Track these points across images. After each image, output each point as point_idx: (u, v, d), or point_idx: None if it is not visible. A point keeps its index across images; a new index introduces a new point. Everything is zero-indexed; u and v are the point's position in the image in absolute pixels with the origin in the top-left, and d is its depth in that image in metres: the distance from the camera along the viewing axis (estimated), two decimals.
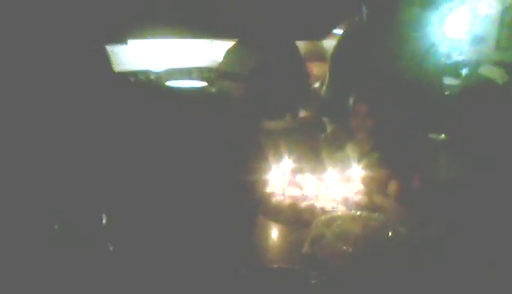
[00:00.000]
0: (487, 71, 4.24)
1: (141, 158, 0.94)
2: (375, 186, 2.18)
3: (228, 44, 2.66)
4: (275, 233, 1.86)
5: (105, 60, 1.97)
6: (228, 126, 1.22)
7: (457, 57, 4.67)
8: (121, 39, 3.39)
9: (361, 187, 2.03)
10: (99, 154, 1.10)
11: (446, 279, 1.47)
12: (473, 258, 1.57)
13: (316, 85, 4.27)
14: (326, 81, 2.85)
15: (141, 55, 3.92)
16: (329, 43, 4.78)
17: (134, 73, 3.65)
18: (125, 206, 0.93)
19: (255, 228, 1.10)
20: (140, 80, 3.54)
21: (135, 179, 0.92)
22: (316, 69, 4.46)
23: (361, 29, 2.87)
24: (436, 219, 1.98)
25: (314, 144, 2.64)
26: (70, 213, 1.04)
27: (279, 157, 2.19)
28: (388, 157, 2.40)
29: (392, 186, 2.17)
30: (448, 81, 3.91)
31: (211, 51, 4.15)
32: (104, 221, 1.00)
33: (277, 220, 1.87)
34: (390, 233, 1.57)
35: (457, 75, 4.28)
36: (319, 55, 4.74)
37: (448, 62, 4.51)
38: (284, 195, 1.97)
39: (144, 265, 0.90)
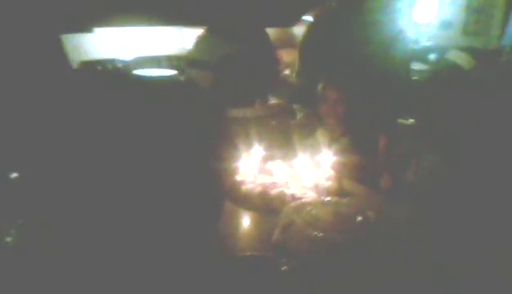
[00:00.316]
0: (454, 56, 4.30)
1: (108, 147, 0.91)
2: (345, 172, 2.20)
3: (197, 32, 2.62)
4: (245, 220, 1.86)
5: (59, 49, 1.91)
6: (196, 115, 1.20)
7: (425, 43, 4.73)
8: (87, 27, 3.31)
9: (331, 173, 2.04)
10: (64, 146, 1.07)
11: (414, 264, 1.49)
12: (444, 243, 1.60)
13: (287, 72, 4.28)
14: (296, 67, 2.84)
15: (108, 43, 3.84)
16: (299, 30, 4.78)
17: (101, 62, 3.57)
18: (90, 194, 0.90)
19: (222, 216, 1.09)
20: (107, 69, 3.47)
21: (102, 168, 0.89)
22: (286, 55, 4.45)
23: (329, 16, 2.87)
24: (404, 203, 2.01)
25: (284, 131, 2.64)
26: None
27: (249, 144, 2.18)
28: (357, 142, 2.41)
29: (385, 180, 2.20)
30: (416, 66, 3.96)
31: (180, 39, 4.09)
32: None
33: (248, 208, 1.87)
34: (359, 218, 1.58)
35: (425, 60, 4.33)
36: (289, 42, 4.73)
37: (416, 47, 4.56)
38: (254, 183, 1.96)
39: (108, 253, 0.88)
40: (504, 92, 3.57)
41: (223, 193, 1.05)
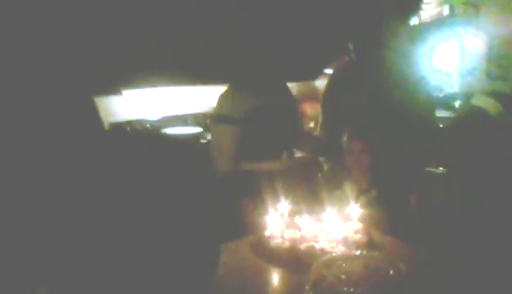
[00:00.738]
0: (479, 101, 4.28)
1: (138, 207, 0.93)
2: (373, 224, 2.17)
3: (222, 89, 2.69)
4: (275, 277, 1.83)
5: (94, 111, 1.97)
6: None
7: (449, 90, 4.72)
8: (115, 90, 3.43)
9: (359, 226, 2.01)
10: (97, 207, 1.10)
11: None
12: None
13: (311, 124, 4.31)
14: (320, 120, 2.87)
15: (136, 104, 3.96)
16: (321, 83, 4.85)
17: (130, 123, 3.68)
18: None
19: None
20: (136, 129, 3.56)
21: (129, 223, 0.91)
22: (310, 108, 4.51)
23: (350, 67, 2.91)
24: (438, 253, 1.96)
25: (311, 185, 2.64)
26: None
27: (276, 198, 2.18)
28: (385, 193, 2.39)
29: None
30: (441, 113, 3.95)
31: (206, 97, 4.20)
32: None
33: (276, 264, 1.85)
34: (391, 272, 1.54)
35: (450, 107, 4.32)
36: (312, 95, 4.79)
37: (440, 95, 4.56)
38: (282, 238, 1.95)
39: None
40: None
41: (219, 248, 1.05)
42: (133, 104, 3.95)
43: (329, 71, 4.48)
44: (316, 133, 3.02)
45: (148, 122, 3.90)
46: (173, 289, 0.95)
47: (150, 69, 3.20)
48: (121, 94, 3.62)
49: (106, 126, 3.44)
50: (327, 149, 2.77)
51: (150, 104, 4.07)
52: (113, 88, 3.36)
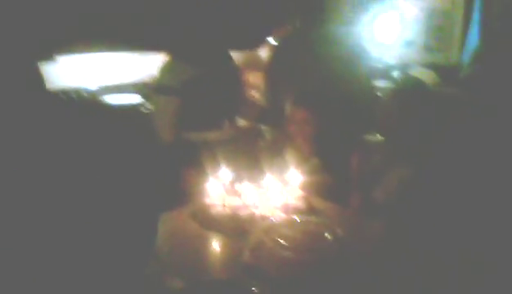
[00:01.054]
0: (417, 73, 4.40)
1: (70, 175, 0.89)
2: (314, 191, 2.20)
3: (162, 57, 2.62)
4: (216, 244, 1.83)
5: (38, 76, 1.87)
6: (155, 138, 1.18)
7: (388, 61, 4.82)
8: (49, 56, 3.27)
9: (299, 192, 2.03)
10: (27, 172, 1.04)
11: (385, 280, 1.49)
12: (412, 257, 1.61)
13: (254, 93, 4.30)
14: (263, 89, 2.86)
15: (72, 72, 3.79)
16: (264, 52, 4.83)
17: (65, 91, 3.52)
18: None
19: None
20: (71, 98, 3.42)
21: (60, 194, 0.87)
22: (253, 77, 4.49)
23: (293, 37, 2.90)
24: (376, 219, 2.03)
25: (253, 153, 2.64)
26: None
27: (217, 167, 2.17)
28: (326, 161, 2.43)
29: (355, 198, 2.22)
30: (381, 83, 4.04)
31: (146, 66, 4.08)
32: None
33: (217, 231, 1.85)
34: (329, 236, 1.57)
35: (389, 78, 4.42)
36: (255, 65, 4.77)
37: (380, 66, 4.64)
38: (223, 205, 1.94)
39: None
40: (464, 106, 3.67)
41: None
42: (69, 72, 3.78)
43: (271, 41, 4.46)
44: (258, 102, 3.02)
45: (85, 90, 3.76)
46: (111, 259, 0.92)
47: (87, 34, 3.06)
48: (56, 60, 3.46)
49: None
50: (269, 117, 2.77)
51: (88, 71, 3.91)
52: (46, 54, 3.19)
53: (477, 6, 4.97)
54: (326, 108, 2.47)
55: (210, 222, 1.88)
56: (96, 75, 3.94)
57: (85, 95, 3.64)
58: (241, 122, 2.92)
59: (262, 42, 4.27)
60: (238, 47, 4.13)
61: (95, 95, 3.71)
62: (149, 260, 1.02)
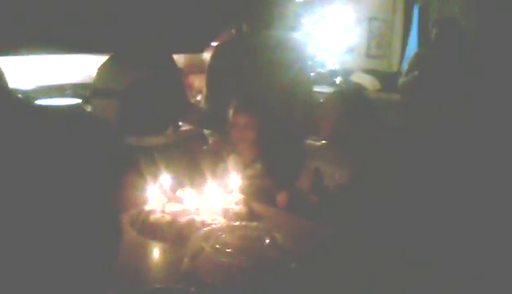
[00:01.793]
0: (358, 78, 4.53)
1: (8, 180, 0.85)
2: (257, 196, 2.21)
3: (103, 59, 2.54)
4: (155, 251, 1.80)
5: None
6: (100, 145, 1.15)
7: (331, 66, 4.93)
8: None
9: (240, 197, 2.03)
10: None
11: (325, 285, 1.51)
12: (354, 260, 1.64)
13: (198, 97, 4.27)
14: (204, 93, 2.84)
15: (7, 72, 3.63)
16: (208, 56, 4.81)
17: None
18: None
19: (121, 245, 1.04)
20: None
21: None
22: (197, 81, 4.45)
23: (235, 41, 2.90)
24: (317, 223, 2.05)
25: (194, 158, 2.61)
26: None
27: (157, 172, 2.13)
28: (268, 166, 2.44)
29: (282, 196, 2.23)
30: (323, 89, 4.12)
31: (85, 67, 3.97)
32: None
33: (157, 238, 1.82)
34: (267, 241, 1.58)
35: (331, 83, 4.52)
36: (199, 68, 4.73)
37: (323, 71, 4.74)
38: (163, 211, 1.91)
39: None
40: (403, 110, 3.80)
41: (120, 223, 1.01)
42: (4, 72, 3.62)
43: (216, 44, 4.45)
44: (201, 106, 3.00)
45: (20, 91, 3.61)
46: (55, 267, 0.89)
47: (22, 35, 2.94)
48: None
49: None
50: (210, 121, 2.76)
51: (23, 72, 3.75)
52: None
53: (415, 14, 5.17)
54: (268, 113, 2.48)
55: (149, 229, 1.85)
56: (32, 76, 3.80)
57: (20, 96, 3.49)
58: (184, 127, 2.89)
59: (207, 45, 4.26)
60: (182, 50, 4.10)
61: (30, 97, 3.57)
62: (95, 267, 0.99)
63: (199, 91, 4.42)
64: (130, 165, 2.33)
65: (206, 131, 2.91)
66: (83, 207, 0.92)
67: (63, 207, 0.88)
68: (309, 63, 2.92)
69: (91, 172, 0.96)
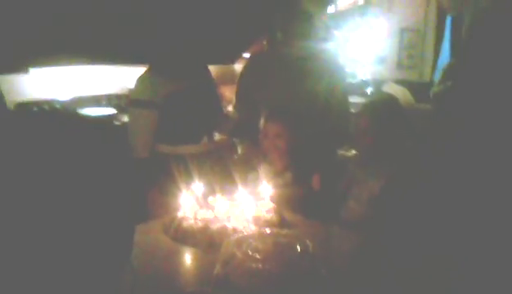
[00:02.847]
0: (389, 88, 4.49)
1: (44, 187, 0.88)
2: (287, 204, 2.22)
3: (139, 70, 2.61)
4: (187, 257, 1.83)
5: None
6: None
7: (362, 77, 4.91)
8: (21, 68, 3.23)
9: (271, 205, 2.04)
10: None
11: (355, 291, 1.51)
12: (385, 271, 1.63)
13: (229, 108, 4.31)
14: (234, 102, 2.88)
15: (45, 83, 3.76)
16: (239, 67, 4.87)
17: (37, 103, 3.48)
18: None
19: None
20: (43, 109, 3.38)
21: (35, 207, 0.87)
22: (229, 92, 4.51)
23: (267, 52, 2.93)
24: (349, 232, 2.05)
25: (226, 166, 2.64)
26: None
27: (190, 181, 2.16)
28: (299, 175, 2.44)
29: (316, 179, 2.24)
30: (354, 99, 4.10)
31: (120, 78, 4.07)
32: None
33: (189, 244, 1.85)
34: (299, 249, 1.58)
35: (362, 94, 4.49)
36: (231, 79, 4.79)
37: (354, 81, 4.72)
38: (195, 218, 1.94)
39: None
40: (436, 121, 3.74)
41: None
42: (42, 84, 3.74)
43: (247, 56, 4.50)
44: (233, 116, 3.03)
45: (57, 102, 3.72)
46: (86, 271, 0.91)
47: (60, 47, 3.04)
48: (28, 72, 3.42)
49: (11, 105, 3.24)
50: (242, 130, 2.79)
51: (61, 83, 3.88)
52: (19, 66, 3.16)
53: (448, 24, 5.10)
54: (298, 123, 2.49)
55: (182, 235, 1.88)
56: (70, 87, 3.92)
57: (57, 106, 3.60)
58: (217, 136, 2.93)
59: (238, 56, 4.32)
60: (214, 62, 4.16)
61: (67, 107, 3.68)
62: (123, 271, 1.01)
63: (231, 102, 4.48)
64: (163, 172, 2.38)
65: (237, 141, 2.94)
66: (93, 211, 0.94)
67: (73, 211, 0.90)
68: (341, 72, 2.91)
69: (115, 179, 0.98)
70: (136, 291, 1.38)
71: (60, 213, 0.86)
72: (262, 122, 2.51)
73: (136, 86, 2.57)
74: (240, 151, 2.85)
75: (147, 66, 2.63)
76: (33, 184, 0.87)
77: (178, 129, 2.53)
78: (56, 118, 1.08)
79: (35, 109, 3.35)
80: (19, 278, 0.82)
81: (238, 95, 2.82)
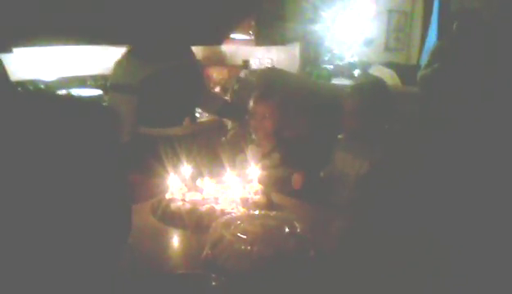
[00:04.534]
0: (376, 71, 4.50)
1: (25, 166, 0.87)
2: (275, 186, 2.22)
3: (123, 50, 2.55)
4: (175, 239, 1.83)
5: None
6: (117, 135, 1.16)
7: (350, 59, 4.90)
8: (5, 47, 3.17)
9: (259, 187, 2.05)
10: None
11: (343, 274, 1.52)
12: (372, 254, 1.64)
13: (217, 89, 4.29)
14: (232, 87, 2.85)
15: (29, 63, 3.70)
16: (227, 48, 4.84)
17: (22, 84, 3.42)
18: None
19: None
20: (28, 89, 3.33)
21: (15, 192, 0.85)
22: (216, 73, 4.49)
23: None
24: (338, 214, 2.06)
25: (214, 148, 2.64)
26: None
27: (177, 162, 2.16)
28: (286, 156, 2.45)
29: (298, 177, 2.23)
30: (342, 81, 4.10)
31: (105, 59, 4.01)
32: None
33: (177, 226, 1.84)
34: (287, 230, 1.59)
35: (350, 76, 4.49)
36: (218, 60, 4.77)
37: (341, 63, 4.72)
38: (183, 200, 1.94)
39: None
40: (422, 103, 3.76)
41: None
42: (26, 64, 3.68)
43: (235, 36, 4.47)
44: (220, 96, 3.02)
45: (42, 82, 3.67)
46: (87, 254, 0.91)
47: (43, 26, 2.98)
48: (11, 52, 3.35)
49: None
50: (228, 111, 2.78)
51: (45, 63, 3.82)
52: (2, 46, 3.09)
53: (435, 7, 5.11)
54: (286, 103, 2.49)
55: (170, 217, 1.87)
56: (54, 67, 3.86)
57: (42, 86, 3.55)
58: (203, 117, 2.92)
59: (225, 37, 4.28)
60: (201, 42, 4.12)
61: (52, 88, 3.63)
62: (123, 252, 1.01)
63: (218, 83, 4.45)
64: (149, 155, 2.36)
65: (226, 121, 2.93)
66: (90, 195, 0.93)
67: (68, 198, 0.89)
68: (330, 56, 2.91)
69: (106, 160, 0.97)
70: (136, 270, 1.39)
71: (59, 198, 0.86)
72: (250, 102, 2.50)
73: (114, 70, 2.51)
74: (229, 132, 2.84)
75: (127, 48, 2.57)
76: (29, 167, 0.86)
77: (159, 111, 2.49)
78: (47, 100, 1.06)
79: (19, 89, 3.30)
80: (20, 261, 0.82)
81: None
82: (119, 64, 2.48)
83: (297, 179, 2.25)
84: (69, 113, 0.91)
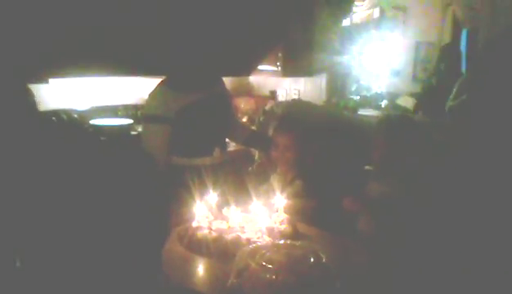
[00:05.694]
0: (404, 101, 4.49)
1: (63, 198, 0.91)
2: (298, 215, 2.22)
3: (155, 81, 2.61)
4: (201, 267, 1.84)
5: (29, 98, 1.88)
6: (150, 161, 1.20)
7: (376, 90, 4.91)
8: (42, 78, 3.29)
9: (285, 216, 2.05)
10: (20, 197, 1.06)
11: None
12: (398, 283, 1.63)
13: (244, 119, 4.34)
14: (260, 118, 2.88)
15: (63, 93, 3.83)
16: (254, 79, 4.91)
17: (56, 113, 3.53)
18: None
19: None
20: (62, 119, 3.43)
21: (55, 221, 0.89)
22: (244, 103, 4.56)
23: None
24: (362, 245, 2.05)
25: (240, 177, 2.66)
26: None
27: (204, 191, 2.18)
28: (309, 186, 2.45)
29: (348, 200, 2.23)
30: (369, 112, 4.11)
31: (136, 88, 4.12)
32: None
33: (203, 254, 1.86)
34: (312, 260, 1.59)
35: (377, 106, 4.49)
36: (246, 91, 4.84)
37: (368, 94, 4.73)
38: (210, 228, 1.96)
39: None
40: (452, 135, 3.72)
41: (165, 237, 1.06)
42: (60, 94, 3.81)
43: (262, 68, 4.53)
44: (248, 126, 3.05)
45: (75, 111, 3.78)
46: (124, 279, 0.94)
47: (78, 57, 3.08)
48: (47, 82, 3.48)
49: None
50: (254, 141, 2.81)
51: (78, 93, 3.95)
52: (38, 76, 3.21)
53: (463, 38, 5.09)
54: (307, 134, 2.50)
55: (196, 245, 1.89)
56: (87, 97, 3.98)
57: (75, 116, 3.65)
58: (231, 147, 2.95)
59: (253, 68, 4.34)
60: (230, 74, 4.20)
61: (85, 117, 3.73)
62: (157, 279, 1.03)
63: (245, 114, 4.51)
64: (178, 183, 2.39)
65: (253, 151, 2.95)
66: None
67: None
68: (358, 86, 2.92)
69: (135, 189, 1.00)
70: None
71: (95, 227, 0.89)
72: (272, 133, 2.53)
73: (148, 101, 2.55)
74: (256, 161, 2.86)
75: (161, 80, 2.63)
76: (55, 192, 0.89)
77: (191, 141, 2.53)
78: (78, 129, 1.10)
79: (53, 118, 3.41)
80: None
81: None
82: (153, 95, 2.53)
83: (348, 201, 2.25)
84: (90, 138, 0.95)
